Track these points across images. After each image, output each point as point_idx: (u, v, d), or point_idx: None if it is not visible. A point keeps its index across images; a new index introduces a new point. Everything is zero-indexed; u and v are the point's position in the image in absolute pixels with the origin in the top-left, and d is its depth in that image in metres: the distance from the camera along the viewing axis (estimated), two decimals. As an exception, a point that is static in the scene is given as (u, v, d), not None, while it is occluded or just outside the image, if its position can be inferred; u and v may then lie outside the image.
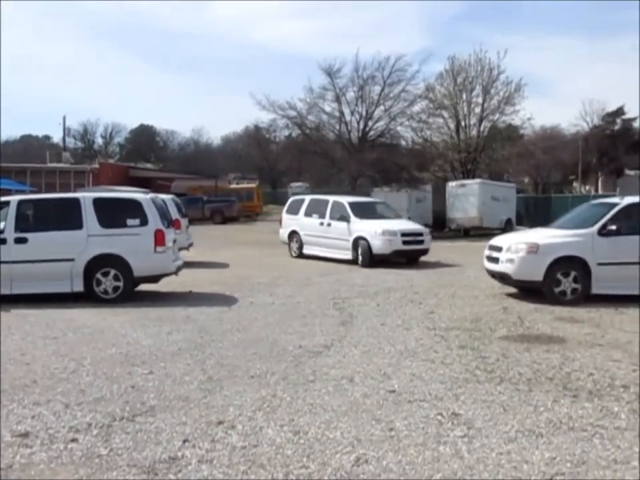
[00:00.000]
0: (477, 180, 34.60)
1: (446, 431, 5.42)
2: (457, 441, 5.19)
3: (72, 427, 5.50)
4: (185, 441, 5.18)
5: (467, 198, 32.51)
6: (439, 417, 5.77)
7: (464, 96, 39.30)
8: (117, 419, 5.71)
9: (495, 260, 12.84)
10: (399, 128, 35.51)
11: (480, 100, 39.32)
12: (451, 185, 34.11)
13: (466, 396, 6.41)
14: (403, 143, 36.56)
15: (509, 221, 32.73)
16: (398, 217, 21.19)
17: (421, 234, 19.18)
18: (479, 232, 31.69)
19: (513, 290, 13.13)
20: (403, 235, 18.72)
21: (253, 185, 54.13)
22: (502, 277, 12.86)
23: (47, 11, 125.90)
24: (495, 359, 7.90)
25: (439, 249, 23.36)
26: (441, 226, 34.03)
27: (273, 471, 4.63)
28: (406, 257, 19.04)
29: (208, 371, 7.32)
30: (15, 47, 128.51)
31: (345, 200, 20.94)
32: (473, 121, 39.72)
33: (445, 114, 39.20)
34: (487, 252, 13.41)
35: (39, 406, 6.08)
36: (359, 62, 34.48)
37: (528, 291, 12.63)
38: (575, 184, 68.50)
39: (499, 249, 12.86)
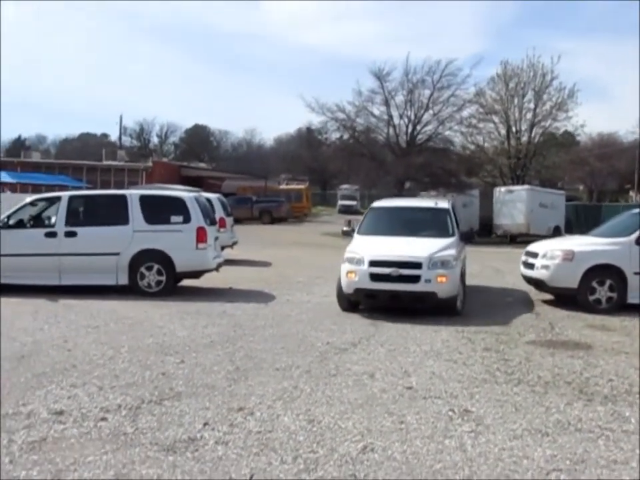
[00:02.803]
0: (525, 186, 34.35)
1: (454, 426, 5.64)
2: (463, 436, 5.41)
3: (103, 408, 5.91)
4: (205, 424, 5.53)
5: (514, 204, 32.31)
6: (450, 413, 5.98)
7: (515, 101, 39.13)
8: (145, 401, 6.10)
9: (531, 266, 12.89)
10: (447, 132, 35.55)
11: (532, 105, 39.13)
12: (499, 190, 33.95)
13: (481, 395, 6.60)
14: (452, 147, 36.44)
15: (556, 228, 32.40)
16: (443, 233, 12.30)
17: (417, 265, 10.76)
18: (526, 239, 31.39)
19: (549, 297, 13.15)
20: (376, 264, 10.90)
21: (302, 186, 54.66)
22: (537, 283, 12.90)
23: (102, 12, 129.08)
24: (517, 362, 8.04)
25: (482, 254, 23.37)
26: (487, 231, 33.93)
27: (283, 454, 4.94)
28: (384, 301, 11.08)
29: (236, 362, 7.67)
30: (73, 48, 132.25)
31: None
32: (524, 126, 39.50)
33: (496, 119, 39.10)
34: (523, 258, 13.47)
35: (75, 388, 6.51)
36: (409, 66, 34.67)
37: (564, 298, 12.64)
38: (630, 193, 67.08)
39: (535, 255, 12.91)
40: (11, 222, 13.00)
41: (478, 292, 14.24)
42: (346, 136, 39.62)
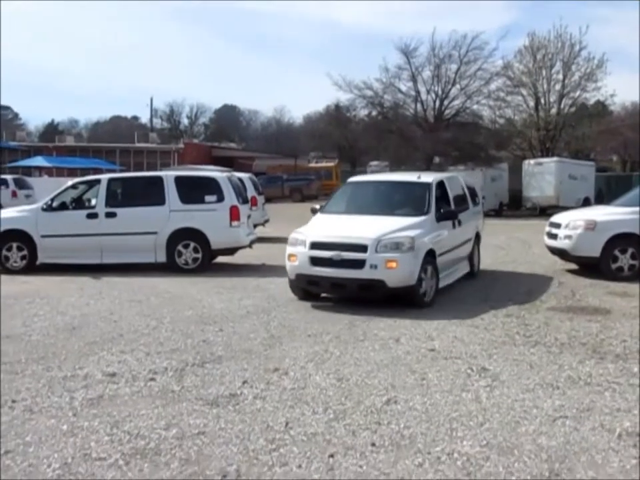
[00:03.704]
0: (554, 158, 34.28)
1: (472, 382, 6.14)
2: (479, 389, 5.91)
3: (151, 370, 6.52)
4: (244, 382, 6.11)
5: (543, 176, 32.31)
6: (469, 371, 6.48)
7: (543, 73, 38.88)
8: (188, 364, 6.70)
9: (554, 236, 13.23)
10: (475, 106, 35.49)
11: (560, 77, 38.83)
12: (528, 163, 33.96)
13: (499, 355, 7.08)
14: (480, 121, 36.43)
15: (586, 200, 32.35)
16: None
17: (362, 248, 9.41)
18: (555, 211, 31.48)
19: (573, 266, 13.48)
20: (317, 246, 9.69)
21: (331, 164, 55.00)
22: (561, 253, 13.24)
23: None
24: (536, 327, 8.48)
25: (510, 227, 23.67)
26: (517, 204, 34.03)
27: (315, 406, 5.49)
28: (327, 289, 10.08)
29: (271, 330, 8.23)
30: (101, 31, 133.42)
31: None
32: (553, 98, 39.28)
33: (524, 91, 38.85)
34: (547, 228, 13.80)
35: (124, 354, 7.14)
36: (435, 41, 34.61)
37: (587, 267, 12.97)
38: (665, 162, 66.15)
39: (558, 226, 13.24)
40: (54, 204, 13.68)
41: (503, 264, 14.63)
42: (374, 113, 39.81)
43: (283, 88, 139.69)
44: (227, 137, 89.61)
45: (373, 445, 4.71)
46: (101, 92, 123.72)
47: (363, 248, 9.43)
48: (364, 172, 72.14)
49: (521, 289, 11.41)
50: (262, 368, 6.58)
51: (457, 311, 9.44)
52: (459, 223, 11.34)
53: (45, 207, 13.62)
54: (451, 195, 11.44)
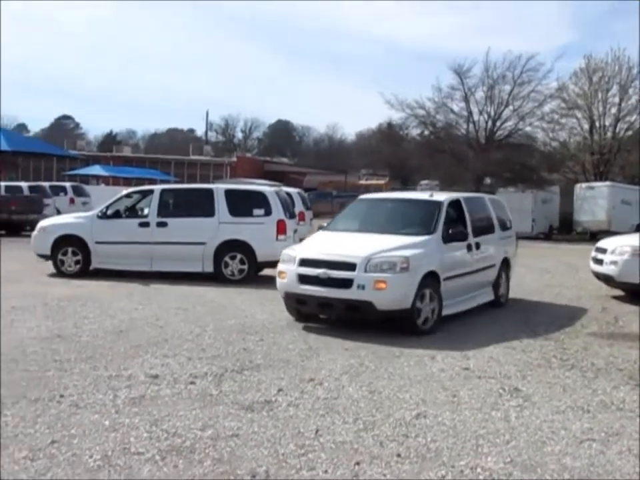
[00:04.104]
0: (607, 182, 33.80)
1: (503, 401, 6.22)
2: (509, 409, 6.00)
3: (192, 374, 6.79)
4: (279, 390, 6.33)
5: (595, 201, 31.90)
6: (501, 391, 6.56)
7: (599, 95, 38.40)
8: (228, 370, 6.95)
9: (600, 262, 13.14)
10: (528, 128, 35.24)
11: (616, 100, 38.29)
12: (580, 186, 33.56)
13: (533, 377, 7.13)
14: (533, 143, 36.12)
15: (639, 226, 31.79)
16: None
17: (350, 266, 8.91)
18: (606, 236, 31.02)
19: (619, 292, 13.35)
20: (306, 264, 9.31)
21: (381, 182, 55.26)
22: (606, 279, 13.14)
23: (190, 9, 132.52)
24: (574, 351, 8.48)
25: (559, 251, 23.46)
26: (567, 228, 33.63)
27: (345, 415, 5.67)
28: (315, 309, 9.60)
29: (309, 342, 8.44)
30: (159, 45, 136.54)
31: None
32: (608, 121, 38.73)
33: (579, 114, 38.45)
34: (593, 254, 13.71)
35: (167, 357, 7.43)
36: (489, 61, 34.55)
37: (632, 293, 12.83)
38: None
39: (604, 251, 13.15)
40: (109, 212, 14.19)
41: (548, 287, 14.56)
42: (426, 132, 39.85)
43: (337, 105, 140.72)
44: (280, 152, 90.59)
45: (399, 455, 4.86)
46: (158, 104, 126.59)
47: (351, 266, 8.90)
48: (414, 190, 72.09)
49: (563, 312, 11.38)
50: (298, 378, 6.78)
51: (496, 332, 9.48)
52: (477, 246, 10.63)
53: (100, 214, 14.14)
54: (468, 216, 10.66)
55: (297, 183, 47.56)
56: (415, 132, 43.37)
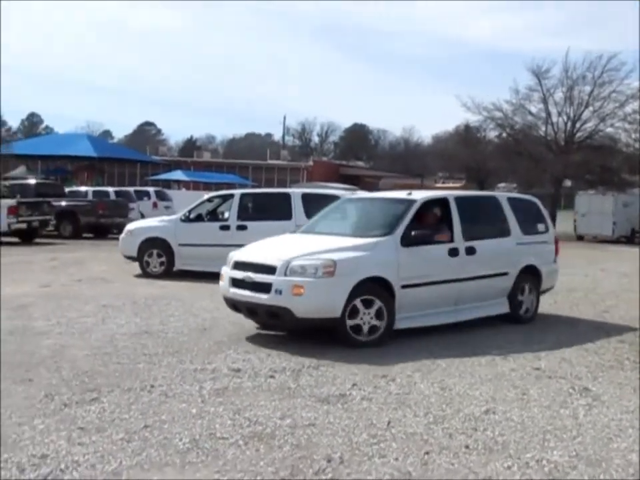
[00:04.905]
0: (693, 185, 32.70)
1: (572, 400, 6.36)
2: (578, 407, 6.13)
3: (271, 369, 7.19)
4: (353, 385, 6.65)
5: (678, 204, 30.89)
6: (571, 390, 6.69)
7: (685, 94, 37.06)
8: (305, 366, 7.31)
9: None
10: (609, 129, 34.47)
11: None
12: (663, 189, 32.60)
13: (604, 378, 7.21)
14: (614, 144, 35.29)
15: None
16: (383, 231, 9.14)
17: (271, 269, 8.37)
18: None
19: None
20: (237, 266, 8.99)
21: (458, 185, 54.84)
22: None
23: (264, 13, 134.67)
24: (648, 354, 8.47)
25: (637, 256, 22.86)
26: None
27: (416, 410, 5.94)
28: (247, 315, 9.12)
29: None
30: (241, 52, 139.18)
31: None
32: (696, 121, 37.33)
33: (663, 114, 37.21)
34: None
35: (248, 354, 7.86)
36: (568, 62, 34.02)
37: None
38: None
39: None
40: (191, 216, 14.86)
41: (625, 291, 14.35)
42: (504, 134, 39.48)
43: (413, 107, 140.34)
44: (355, 156, 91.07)
45: (467, 447, 5.10)
46: (237, 110, 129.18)
47: (271, 270, 8.34)
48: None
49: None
50: (371, 374, 7.08)
51: (569, 334, 9.52)
52: (470, 251, 9.46)
53: (183, 217, 14.82)
54: (456, 218, 9.49)
55: (372, 186, 47.84)
56: (492, 134, 43.10)
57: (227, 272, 9.10)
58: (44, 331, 8.91)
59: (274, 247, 9.22)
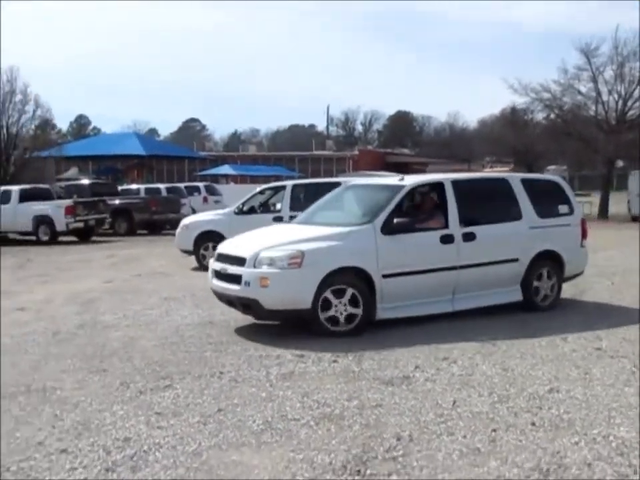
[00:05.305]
0: None
1: (636, 378, 6.37)
2: (642, 385, 6.16)
3: (334, 353, 7.37)
4: (416, 367, 6.79)
5: None
6: (634, 369, 6.70)
7: None
8: (367, 350, 7.47)
9: None
10: (662, 106, 33.57)
11: None
12: None
13: (668, 356, 7.20)
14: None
15: None
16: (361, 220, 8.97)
17: (242, 261, 8.41)
18: None
19: None
20: (219, 258, 9.09)
21: (506, 169, 54.15)
22: None
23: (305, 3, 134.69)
24: None
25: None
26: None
27: (480, 390, 6.05)
28: (229, 306, 9.09)
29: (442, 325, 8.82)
30: (277, 42, 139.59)
31: None
32: None
33: None
34: None
35: (309, 340, 8.03)
36: (618, 39, 33.21)
37: None
38: None
39: None
40: (245, 208, 15.14)
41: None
42: (552, 116, 38.84)
43: (457, 92, 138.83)
44: (400, 143, 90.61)
45: (533, 424, 5.20)
46: (279, 102, 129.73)
47: (242, 261, 8.37)
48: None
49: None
50: (433, 357, 7.20)
51: (629, 314, 9.48)
52: (469, 237, 9.03)
53: (237, 210, 15.12)
54: (453, 203, 9.08)
55: (419, 173, 47.62)
56: (540, 116, 42.43)
57: (211, 264, 9.27)
58: (112, 324, 9.27)
59: (253, 238, 9.17)
